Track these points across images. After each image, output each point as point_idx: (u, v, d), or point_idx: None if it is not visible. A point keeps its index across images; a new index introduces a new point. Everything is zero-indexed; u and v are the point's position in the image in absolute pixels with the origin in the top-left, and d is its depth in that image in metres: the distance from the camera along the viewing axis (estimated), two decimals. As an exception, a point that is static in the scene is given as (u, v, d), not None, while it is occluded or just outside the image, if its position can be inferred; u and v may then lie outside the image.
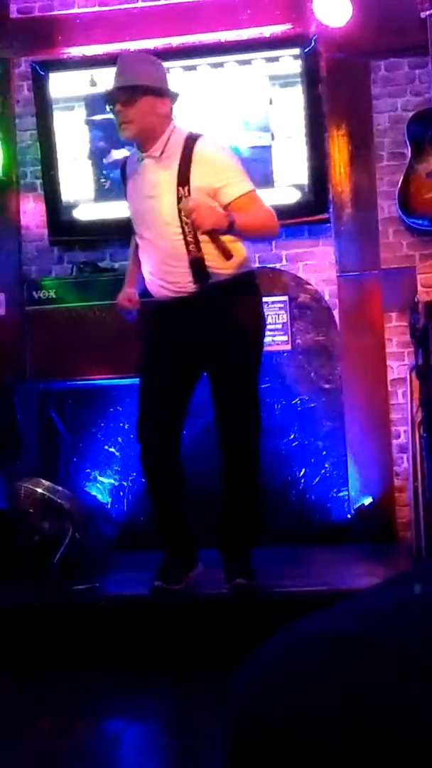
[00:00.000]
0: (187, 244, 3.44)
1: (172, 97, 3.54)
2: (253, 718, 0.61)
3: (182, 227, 3.43)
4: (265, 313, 3.77)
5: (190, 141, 3.47)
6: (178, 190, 3.43)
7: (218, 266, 3.46)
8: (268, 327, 4.10)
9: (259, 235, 3.70)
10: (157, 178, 3.49)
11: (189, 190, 3.40)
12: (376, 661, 0.58)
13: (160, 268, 3.54)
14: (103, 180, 4.95)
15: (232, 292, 3.53)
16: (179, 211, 3.40)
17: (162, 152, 3.48)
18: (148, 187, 3.52)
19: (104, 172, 4.95)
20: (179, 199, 3.40)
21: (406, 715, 0.55)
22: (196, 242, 3.43)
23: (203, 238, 3.37)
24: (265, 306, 4.00)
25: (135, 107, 3.43)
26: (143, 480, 3.81)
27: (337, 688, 0.57)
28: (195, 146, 3.46)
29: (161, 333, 3.63)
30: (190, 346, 3.58)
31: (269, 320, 4.38)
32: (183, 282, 3.50)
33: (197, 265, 3.46)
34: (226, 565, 3.61)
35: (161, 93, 3.49)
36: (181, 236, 3.44)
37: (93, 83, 4.92)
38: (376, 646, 0.59)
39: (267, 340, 3.77)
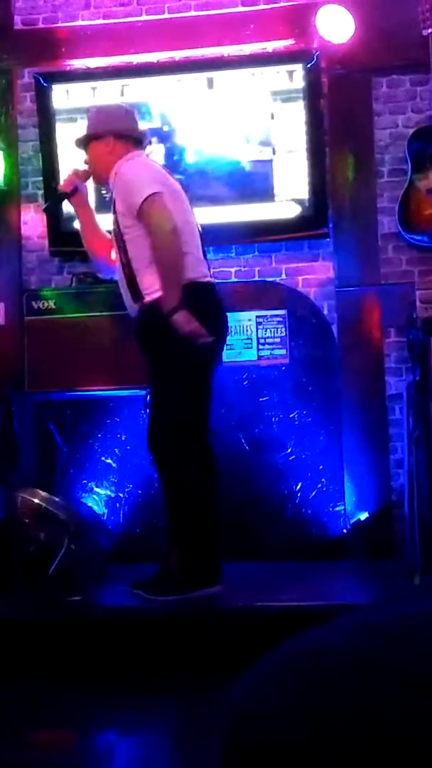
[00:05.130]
0: None
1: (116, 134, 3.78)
2: (248, 734, 0.61)
3: None
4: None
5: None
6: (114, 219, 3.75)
7: None
8: (268, 340, 4.12)
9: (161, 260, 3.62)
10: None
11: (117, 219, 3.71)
12: (376, 679, 0.58)
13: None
14: (103, 192, 4.96)
15: None
16: (116, 235, 3.72)
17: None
18: None
19: (105, 183, 4.95)
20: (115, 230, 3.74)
21: (408, 739, 0.55)
22: None
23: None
24: (264, 319, 4.00)
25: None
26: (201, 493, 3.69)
27: (336, 706, 0.57)
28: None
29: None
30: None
31: (268, 333, 4.39)
32: None
33: None
34: None
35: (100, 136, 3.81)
36: None
37: (95, 95, 4.94)
38: (376, 664, 0.59)
39: (266, 353, 3.77)
